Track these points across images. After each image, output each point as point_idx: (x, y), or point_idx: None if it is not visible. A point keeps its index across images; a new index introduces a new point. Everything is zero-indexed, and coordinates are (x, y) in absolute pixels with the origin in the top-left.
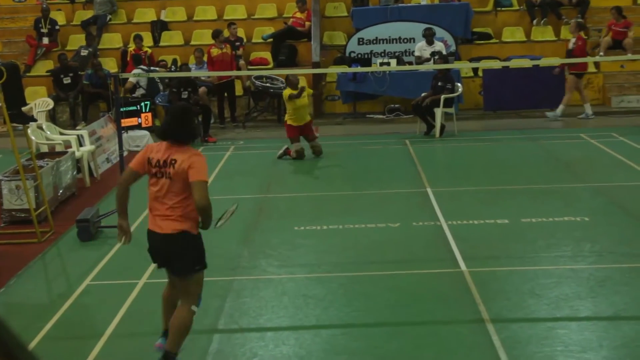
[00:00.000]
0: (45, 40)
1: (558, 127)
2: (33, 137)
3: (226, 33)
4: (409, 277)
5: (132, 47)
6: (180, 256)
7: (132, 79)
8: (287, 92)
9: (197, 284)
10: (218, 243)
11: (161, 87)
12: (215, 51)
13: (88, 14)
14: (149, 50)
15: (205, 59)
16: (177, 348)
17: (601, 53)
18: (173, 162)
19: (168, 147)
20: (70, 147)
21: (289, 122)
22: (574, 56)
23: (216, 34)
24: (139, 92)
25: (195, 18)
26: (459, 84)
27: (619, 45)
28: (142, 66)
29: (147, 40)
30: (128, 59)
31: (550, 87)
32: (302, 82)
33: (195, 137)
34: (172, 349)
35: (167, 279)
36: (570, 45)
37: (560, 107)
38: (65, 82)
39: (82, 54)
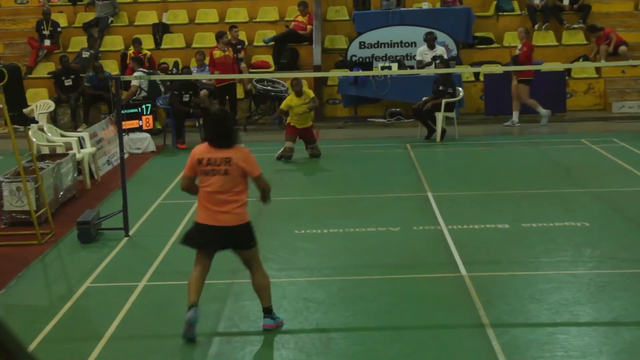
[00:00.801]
0: (47, 42)
1: (559, 132)
2: (34, 139)
3: (228, 36)
4: (409, 281)
5: (131, 50)
6: (247, 241)
7: (134, 82)
8: (289, 100)
9: (257, 253)
10: None
11: (162, 90)
12: (217, 53)
13: (90, 16)
14: (149, 53)
15: (207, 61)
16: (270, 301)
17: (602, 60)
18: (228, 160)
19: (216, 148)
20: (71, 149)
21: (291, 123)
22: (519, 63)
23: (219, 36)
24: (141, 94)
25: (196, 21)
26: (460, 88)
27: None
28: (142, 69)
29: (149, 42)
30: (128, 61)
31: (551, 92)
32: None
33: (233, 139)
34: (269, 303)
35: (198, 262)
36: (516, 51)
37: (515, 114)
38: (66, 84)
39: (83, 56)
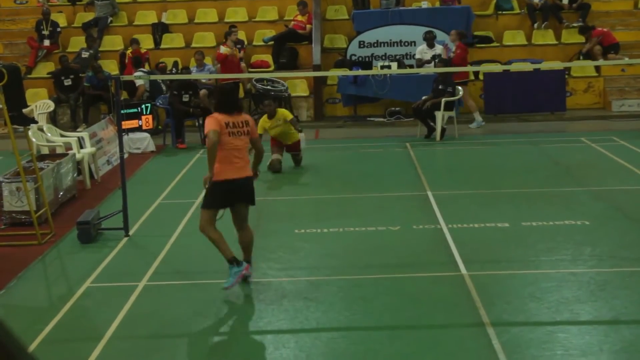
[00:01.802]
0: (46, 42)
1: (558, 131)
2: (34, 139)
3: (237, 34)
4: (409, 281)
5: (130, 50)
6: (252, 191)
7: (139, 82)
8: (262, 122)
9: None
10: None
11: (164, 89)
12: (226, 50)
13: (89, 16)
14: (143, 51)
15: (207, 60)
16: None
17: (600, 59)
18: (247, 122)
19: (229, 115)
20: (71, 149)
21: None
22: (453, 65)
23: (228, 34)
24: (144, 94)
25: (196, 20)
26: (460, 87)
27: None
28: (142, 68)
29: (148, 42)
30: (126, 61)
31: (551, 90)
32: (304, 85)
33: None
34: (250, 258)
35: (211, 223)
36: (450, 54)
37: (476, 115)
38: (66, 84)
39: (83, 56)
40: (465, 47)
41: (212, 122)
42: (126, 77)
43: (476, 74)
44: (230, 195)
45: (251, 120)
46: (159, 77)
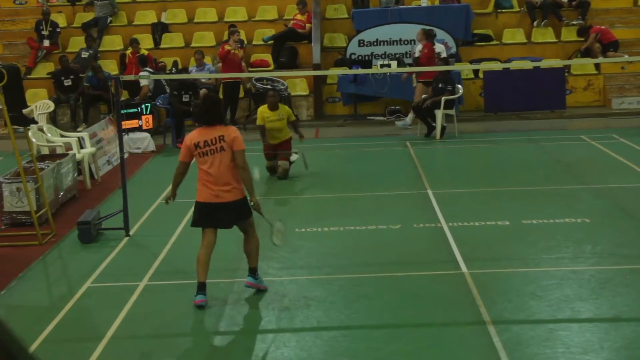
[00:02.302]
0: (46, 43)
1: (558, 129)
2: (34, 139)
3: (226, 36)
4: (409, 279)
5: (129, 50)
6: (245, 213)
7: (144, 82)
8: (262, 111)
9: (252, 219)
10: (218, 245)
11: (168, 89)
12: (229, 48)
13: (89, 16)
14: (146, 52)
15: (206, 60)
16: (257, 263)
17: (600, 57)
18: (221, 137)
19: (207, 130)
20: (71, 149)
21: (268, 140)
22: (420, 64)
23: (232, 33)
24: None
25: (195, 20)
26: (460, 86)
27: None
28: (147, 69)
29: (148, 42)
30: (127, 61)
31: (550, 88)
32: (303, 84)
33: (223, 119)
34: (255, 264)
35: (205, 239)
36: (417, 53)
37: (410, 116)
38: (65, 84)
39: (82, 56)
40: (432, 47)
41: (182, 148)
42: (126, 77)
43: (476, 72)
44: (210, 217)
45: (231, 133)
46: (160, 77)
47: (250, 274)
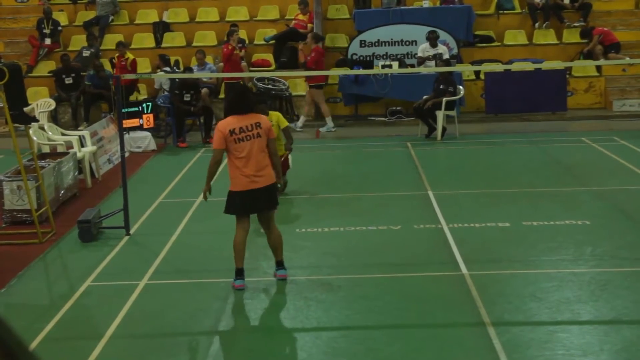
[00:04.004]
0: (48, 41)
1: (559, 131)
2: (35, 138)
3: (238, 34)
4: (409, 280)
5: (117, 54)
6: (274, 200)
7: (157, 86)
8: None
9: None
10: (219, 245)
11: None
12: (232, 45)
13: (90, 14)
14: (131, 57)
15: (208, 59)
16: (282, 255)
17: (601, 59)
18: (258, 124)
19: (241, 117)
20: (72, 147)
21: None
22: (308, 68)
23: (230, 33)
24: (160, 93)
25: (197, 19)
26: (461, 87)
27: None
28: (166, 67)
29: (149, 41)
30: (116, 66)
31: (552, 90)
32: (304, 84)
33: (255, 107)
34: (282, 257)
35: (241, 225)
36: (308, 58)
37: (301, 119)
38: (67, 82)
39: (84, 54)
40: (322, 51)
41: (216, 136)
42: (127, 76)
43: (477, 73)
44: (245, 205)
45: (266, 120)
46: (159, 76)
47: (279, 266)
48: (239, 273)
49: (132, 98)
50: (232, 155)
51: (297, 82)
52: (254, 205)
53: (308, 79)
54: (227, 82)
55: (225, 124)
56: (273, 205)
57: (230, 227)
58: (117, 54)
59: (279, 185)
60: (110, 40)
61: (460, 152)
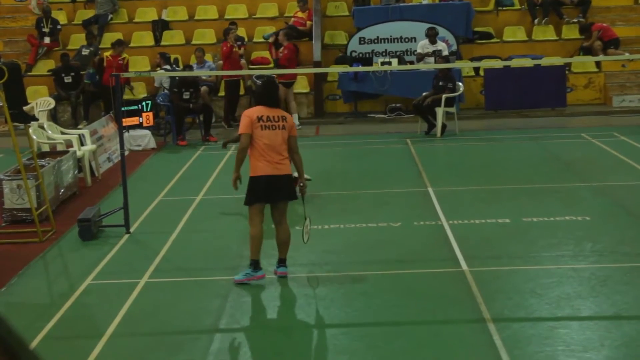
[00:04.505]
0: (47, 40)
1: (559, 127)
2: (34, 137)
3: (235, 31)
4: (410, 277)
5: (109, 52)
6: (291, 192)
7: (156, 83)
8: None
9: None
10: (219, 243)
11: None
12: (231, 43)
13: (89, 13)
14: (127, 57)
15: (207, 57)
16: (286, 254)
17: (601, 54)
18: (284, 117)
19: (268, 108)
20: (72, 146)
21: None
22: (281, 65)
23: (227, 32)
24: (160, 91)
25: (196, 17)
26: (460, 84)
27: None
28: (167, 66)
29: (149, 39)
30: (105, 65)
31: (551, 86)
32: (303, 82)
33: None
34: (285, 255)
35: (258, 217)
36: (278, 54)
37: (295, 117)
38: (66, 81)
39: (83, 53)
40: (294, 48)
41: (243, 121)
42: (127, 74)
43: (476, 69)
44: (267, 191)
45: (290, 117)
46: (160, 74)
47: (281, 264)
48: (257, 265)
49: (126, 97)
50: (255, 143)
51: (296, 80)
52: (275, 192)
53: (278, 76)
54: (226, 79)
55: (253, 111)
56: (290, 197)
57: (230, 226)
58: (110, 52)
59: (301, 185)
60: (109, 39)
61: (459, 149)
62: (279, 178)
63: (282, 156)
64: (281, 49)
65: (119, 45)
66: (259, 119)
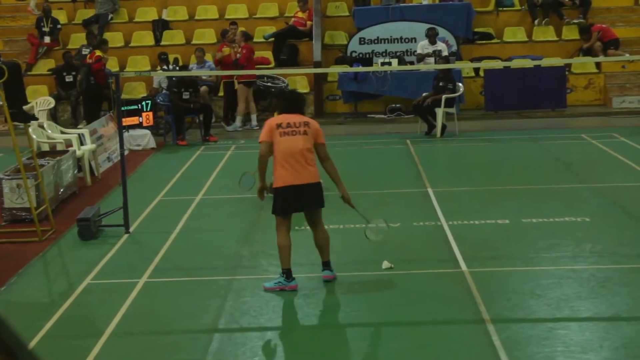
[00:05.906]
0: (47, 39)
1: (559, 128)
2: (34, 136)
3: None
4: (409, 277)
5: (99, 52)
6: (322, 200)
7: (155, 84)
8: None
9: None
10: (219, 242)
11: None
12: (227, 50)
13: (89, 12)
14: (102, 55)
15: (207, 57)
16: (329, 256)
17: (601, 55)
18: (307, 123)
19: (288, 115)
20: (72, 146)
21: None
22: (240, 66)
23: (224, 33)
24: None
25: (196, 17)
26: (460, 84)
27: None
28: (164, 66)
29: (149, 39)
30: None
31: (551, 87)
32: (304, 82)
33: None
34: (328, 257)
35: (284, 226)
36: (238, 55)
37: (238, 118)
38: (67, 80)
39: (83, 52)
40: (252, 48)
41: (263, 129)
42: (127, 74)
43: (477, 70)
44: (291, 202)
45: (315, 124)
46: (160, 74)
47: (325, 267)
48: (289, 274)
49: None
50: (275, 150)
51: (296, 80)
52: (299, 202)
53: (238, 76)
54: (225, 80)
55: (274, 119)
56: (319, 204)
57: (229, 226)
58: (100, 52)
59: (341, 197)
60: (109, 39)
61: (459, 150)
62: (302, 187)
63: (304, 163)
64: (239, 49)
65: (104, 44)
66: (279, 126)
